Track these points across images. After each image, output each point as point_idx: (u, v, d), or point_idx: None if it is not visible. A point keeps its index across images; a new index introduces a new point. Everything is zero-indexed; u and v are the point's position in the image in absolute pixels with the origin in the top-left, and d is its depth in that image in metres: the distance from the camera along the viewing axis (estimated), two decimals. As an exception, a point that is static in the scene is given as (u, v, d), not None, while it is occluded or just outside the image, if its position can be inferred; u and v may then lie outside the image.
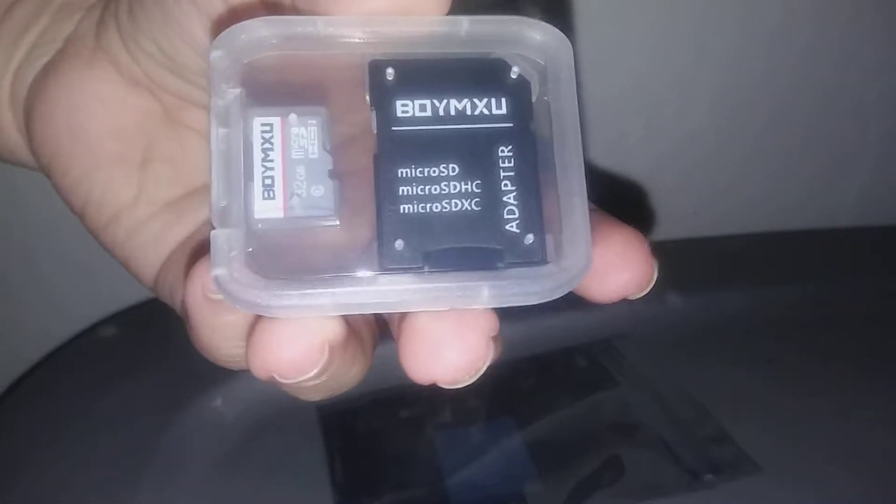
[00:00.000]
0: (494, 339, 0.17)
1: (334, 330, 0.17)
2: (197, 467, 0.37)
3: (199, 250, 0.21)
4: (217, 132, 0.17)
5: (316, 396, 0.20)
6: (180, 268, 0.23)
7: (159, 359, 0.43)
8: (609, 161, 0.51)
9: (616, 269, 0.18)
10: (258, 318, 0.17)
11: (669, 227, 0.53)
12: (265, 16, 0.17)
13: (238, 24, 0.17)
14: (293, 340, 0.17)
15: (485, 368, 0.17)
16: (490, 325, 0.17)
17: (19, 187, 0.45)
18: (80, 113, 0.24)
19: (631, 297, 0.18)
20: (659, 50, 0.48)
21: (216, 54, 0.17)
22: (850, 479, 0.35)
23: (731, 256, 0.51)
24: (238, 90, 0.17)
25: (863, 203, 0.56)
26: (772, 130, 0.53)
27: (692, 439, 0.38)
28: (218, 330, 0.19)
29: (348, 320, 0.18)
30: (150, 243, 0.24)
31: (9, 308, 0.49)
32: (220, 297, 0.17)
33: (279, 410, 0.40)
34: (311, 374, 0.17)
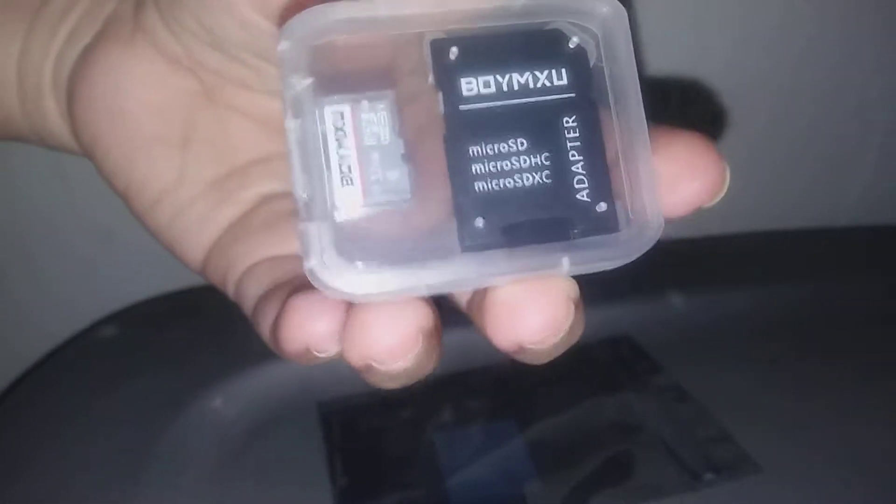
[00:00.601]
0: (576, 303, 0.18)
1: (427, 315, 0.18)
2: (197, 467, 0.37)
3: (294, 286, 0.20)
4: (292, 124, 0.17)
5: (396, 384, 0.19)
6: (236, 253, 0.23)
7: (159, 359, 0.43)
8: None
9: (686, 180, 0.18)
10: (351, 307, 0.18)
11: (670, 227, 0.53)
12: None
13: (303, 13, 0.17)
14: (391, 327, 0.17)
15: (567, 330, 0.18)
16: (570, 287, 0.18)
17: (19, 187, 0.45)
18: (120, 94, 0.24)
19: (706, 206, 0.18)
20: (659, 49, 0.48)
21: (284, 45, 0.17)
22: (850, 479, 0.35)
23: (732, 256, 0.51)
24: (309, 80, 0.17)
25: (863, 203, 0.56)
26: (772, 130, 0.53)
27: (692, 439, 0.38)
28: (314, 361, 0.19)
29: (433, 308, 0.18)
30: (195, 225, 0.24)
31: (9, 307, 0.49)
32: (327, 353, 0.18)
33: (279, 410, 0.40)
34: (408, 359, 0.18)
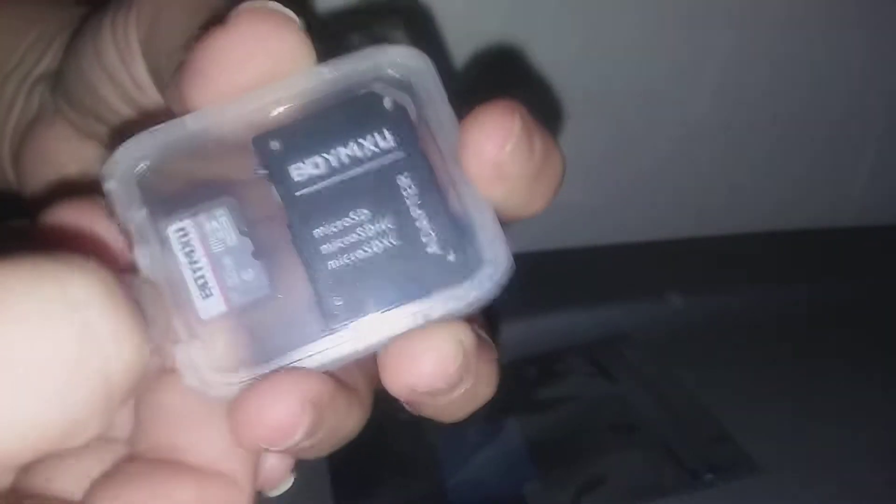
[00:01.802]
0: (469, 348, 0.18)
1: (311, 386, 0.18)
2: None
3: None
4: (140, 253, 0.18)
5: (319, 453, 0.20)
6: None
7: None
8: (609, 161, 0.51)
9: (474, 131, 0.18)
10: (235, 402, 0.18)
11: (670, 227, 0.53)
12: (144, 128, 0.18)
13: (116, 152, 0.18)
14: (273, 405, 0.17)
15: (460, 376, 0.18)
16: (459, 331, 0.18)
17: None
18: (47, 168, 0.27)
19: (503, 151, 0.18)
20: (660, 50, 0.48)
21: (110, 185, 0.18)
22: (849, 479, 0.35)
23: (732, 256, 0.51)
24: (143, 210, 0.18)
25: (863, 203, 0.56)
26: (772, 130, 0.53)
27: (692, 439, 0.38)
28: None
29: (334, 371, 0.19)
30: None
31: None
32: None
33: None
34: (299, 435, 0.18)
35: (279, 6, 0.18)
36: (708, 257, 0.49)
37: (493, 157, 0.18)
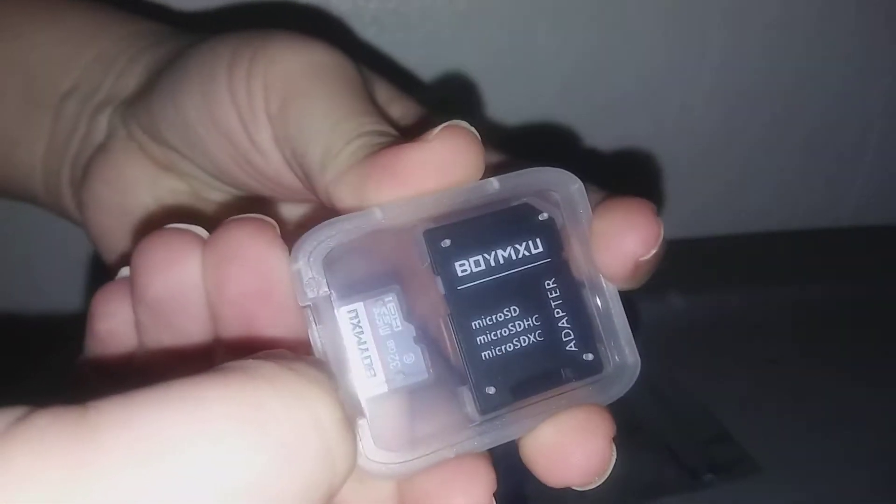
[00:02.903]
0: (614, 439, 0.20)
1: (492, 480, 0.20)
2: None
3: None
4: (316, 331, 0.19)
5: None
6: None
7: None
8: (610, 161, 0.51)
9: (619, 233, 0.20)
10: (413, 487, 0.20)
11: (671, 227, 0.53)
12: (324, 219, 0.20)
13: (308, 233, 0.19)
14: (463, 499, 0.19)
15: (611, 468, 0.20)
16: (608, 426, 0.20)
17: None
18: (119, 196, 0.27)
19: (641, 259, 0.20)
20: (660, 50, 0.48)
21: (298, 266, 0.19)
22: (850, 479, 0.35)
23: (732, 256, 0.51)
24: (325, 290, 0.19)
25: (863, 203, 0.56)
26: (773, 130, 0.53)
27: (692, 439, 0.38)
28: None
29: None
30: None
31: (8, 307, 0.49)
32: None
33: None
34: None
35: (470, 126, 0.20)
36: (709, 257, 0.49)
37: (638, 259, 0.20)
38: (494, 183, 0.20)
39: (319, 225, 0.19)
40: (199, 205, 0.28)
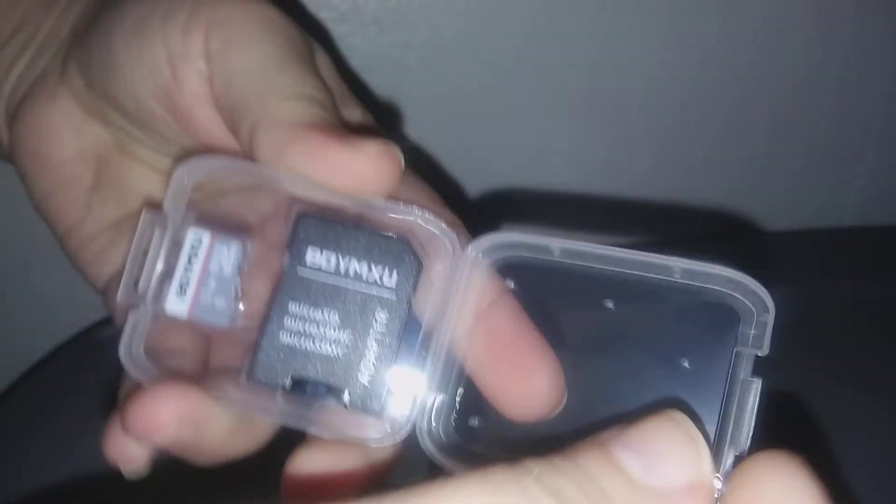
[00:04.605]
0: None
1: (193, 406, 0.21)
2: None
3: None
4: (156, 232, 0.20)
5: (200, 461, 0.23)
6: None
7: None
8: (610, 162, 0.51)
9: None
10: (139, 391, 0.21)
11: (671, 227, 0.53)
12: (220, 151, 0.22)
13: (203, 156, 0.21)
14: (154, 409, 0.20)
15: None
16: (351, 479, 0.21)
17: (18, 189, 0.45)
18: (43, 142, 0.28)
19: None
20: (662, 51, 0.48)
21: (180, 172, 0.20)
22: (850, 479, 0.35)
23: (732, 256, 0.51)
24: (184, 206, 0.21)
25: (863, 203, 0.56)
26: (773, 131, 0.53)
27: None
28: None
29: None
30: (95, 258, 0.27)
31: (7, 308, 0.49)
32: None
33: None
34: (163, 440, 0.21)
35: (401, 155, 0.21)
36: (708, 257, 0.49)
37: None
38: (393, 205, 0.21)
39: (226, 154, 0.21)
40: (119, 159, 0.28)
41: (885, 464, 0.36)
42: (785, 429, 0.38)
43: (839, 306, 0.46)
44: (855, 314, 0.45)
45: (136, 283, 0.21)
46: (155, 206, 0.21)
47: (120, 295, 0.21)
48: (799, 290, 0.48)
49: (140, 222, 0.21)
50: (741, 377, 0.19)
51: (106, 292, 0.27)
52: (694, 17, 0.48)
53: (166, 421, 0.20)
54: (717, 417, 0.20)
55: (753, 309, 0.20)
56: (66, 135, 0.28)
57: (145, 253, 0.21)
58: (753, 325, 0.20)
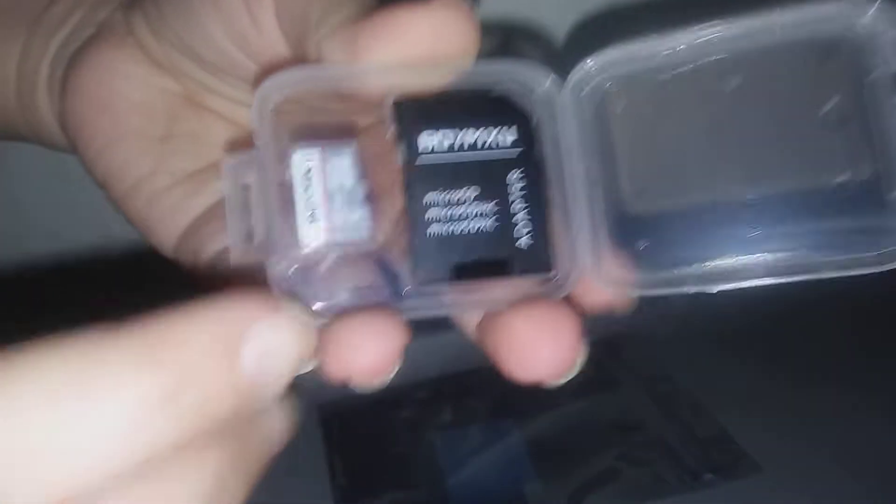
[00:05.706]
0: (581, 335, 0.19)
1: (403, 336, 0.19)
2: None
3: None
4: (264, 167, 0.19)
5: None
6: (207, 236, 0.25)
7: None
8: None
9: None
10: (326, 332, 0.19)
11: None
12: (299, 62, 0.19)
13: (280, 72, 0.19)
14: (370, 348, 0.19)
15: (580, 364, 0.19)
16: (576, 321, 0.19)
17: (18, 189, 0.45)
18: (107, 88, 0.26)
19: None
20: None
21: (264, 90, 0.19)
22: (850, 479, 0.35)
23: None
24: (276, 128, 0.19)
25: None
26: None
27: (692, 439, 0.38)
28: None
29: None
30: (170, 211, 0.26)
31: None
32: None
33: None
34: (385, 377, 0.19)
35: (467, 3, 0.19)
36: None
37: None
38: (479, 67, 0.20)
39: (295, 68, 0.19)
40: (192, 110, 0.27)
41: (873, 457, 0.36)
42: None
43: (841, 305, 0.46)
44: (855, 313, 0.45)
45: (248, 236, 0.19)
46: (236, 149, 0.20)
47: (233, 256, 0.19)
48: (800, 290, 0.48)
49: (229, 164, 0.19)
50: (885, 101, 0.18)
51: (179, 248, 0.26)
52: (690, 16, 0.48)
53: (390, 351, 0.19)
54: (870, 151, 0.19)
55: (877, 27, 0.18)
56: (135, 83, 0.26)
57: (245, 199, 0.19)
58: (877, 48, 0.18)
